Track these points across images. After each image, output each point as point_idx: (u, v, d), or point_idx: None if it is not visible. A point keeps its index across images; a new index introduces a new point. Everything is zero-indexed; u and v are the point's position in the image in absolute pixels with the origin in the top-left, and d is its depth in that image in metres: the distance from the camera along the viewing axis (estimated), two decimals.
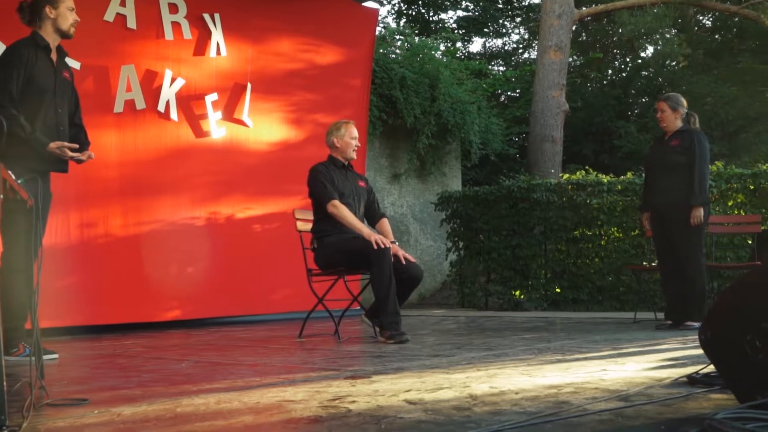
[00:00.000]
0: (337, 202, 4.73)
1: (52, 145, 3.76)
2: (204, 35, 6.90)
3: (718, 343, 2.10)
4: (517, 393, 2.32)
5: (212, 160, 6.95)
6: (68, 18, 3.93)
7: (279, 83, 7.57)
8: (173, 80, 6.62)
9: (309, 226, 5.13)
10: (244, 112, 7.17)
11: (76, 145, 3.89)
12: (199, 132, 6.86)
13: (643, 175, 5.77)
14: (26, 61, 3.78)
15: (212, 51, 6.93)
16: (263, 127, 7.39)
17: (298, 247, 5.07)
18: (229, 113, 7.09)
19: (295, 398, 2.33)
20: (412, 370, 3.02)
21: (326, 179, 4.83)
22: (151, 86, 6.50)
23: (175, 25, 6.68)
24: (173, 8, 6.67)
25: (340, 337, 4.77)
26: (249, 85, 7.19)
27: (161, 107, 6.53)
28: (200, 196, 6.86)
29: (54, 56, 3.95)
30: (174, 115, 6.62)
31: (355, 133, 5.05)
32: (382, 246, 4.49)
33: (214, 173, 6.97)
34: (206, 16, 6.90)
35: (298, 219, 5.09)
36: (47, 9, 3.88)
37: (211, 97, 6.89)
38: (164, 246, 6.49)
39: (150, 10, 6.52)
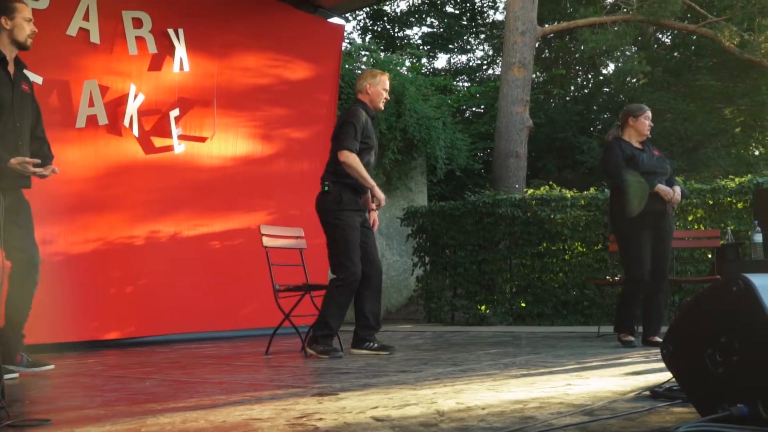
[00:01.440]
0: (353, 155, 4.64)
1: (13, 161, 3.67)
2: (168, 50, 6.85)
3: (680, 358, 2.13)
4: (483, 408, 2.33)
5: (176, 175, 6.89)
6: (25, 29, 3.83)
7: (245, 98, 7.55)
8: (136, 95, 6.56)
9: (276, 242, 5.12)
10: (209, 127, 7.13)
11: (38, 160, 3.80)
12: (162, 147, 6.80)
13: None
14: None
15: (176, 66, 6.89)
16: (228, 143, 7.36)
17: (265, 262, 5.04)
18: (193, 129, 7.05)
19: (262, 416, 2.31)
20: (379, 386, 3.02)
21: (359, 128, 4.71)
22: (113, 101, 6.43)
23: (139, 40, 6.62)
24: (137, 23, 6.62)
25: (307, 354, 4.75)
26: (214, 101, 7.15)
27: (126, 122, 6.47)
28: (164, 211, 6.78)
29: (11, 68, 3.84)
30: (136, 130, 6.55)
31: (388, 85, 5.00)
32: (382, 205, 4.81)
33: (177, 189, 6.90)
34: (170, 32, 6.85)
35: (264, 234, 5.06)
36: (2, 20, 3.78)
37: (174, 113, 6.84)
38: (127, 262, 6.41)
39: (114, 25, 6.46)
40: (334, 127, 4.93)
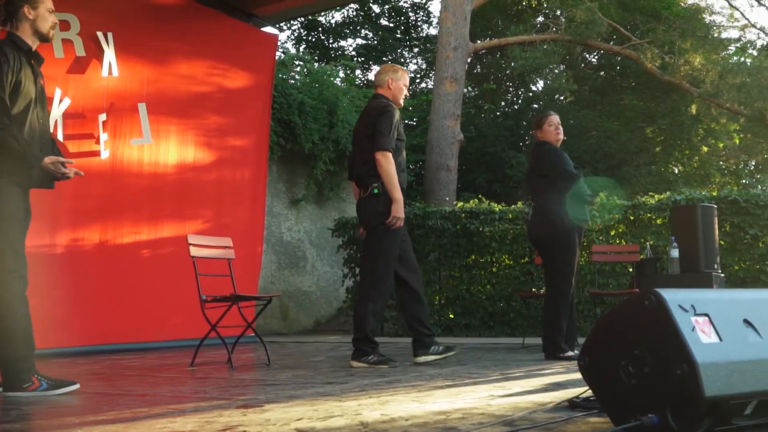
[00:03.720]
0: (390, 156, 4.52)
1: (47, 160, 3.44)
2: (96, 54, 6.70)
3: (596, 369, 2.21)
4: (407, 420, 2.36)
5: (103, 181, 6.73)
6: (48, 20, 3.59)
7: (178, 105, 7.44)
8: (62, 99, 6.39)
9: (203, 251, 5.05)
10: (140, 133, 7.00)
11: (72, 161, 3.60)
12: (87, 152, 6.63)
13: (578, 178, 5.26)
14: (12, 65, 3.42)
15: (104, 70, 6.74)
16: (160, 149, 7.24)
17: (193, 272, 4.96)
18: (122, 134, 6.91)
19: (184, 429, 2.28)
20: (304, 398, 3.01)
21: (395, 125, 4.58)
22: None
23: (66, 43, 6.46)
24: (65, 25, 6.45)
25: (233, 365, 4.70)
26: (144, 106, 7.03)
27: (50, 127, 6.28)
28: (90, 219, 6.61)
29: (33, 61, 3.61)
30: (61, 135, 6.38)
31: (408, 81, 4.89)
32: (396, 224, 4.54)
33: (104, 196, 6.74)
34: (99, 35, 6.71)
35: (191, 244, 4.99)
36: (26, 9, 3.53)
37: (101, 117, 6.69)
38: (49, 271, 6.19)
39: None
40: (364, 124, 4.71)
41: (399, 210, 4.53)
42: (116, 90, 6.87)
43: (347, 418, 2.41)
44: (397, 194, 4.53)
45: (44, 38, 3.64)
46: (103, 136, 6.70)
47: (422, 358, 4.67)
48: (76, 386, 3.47)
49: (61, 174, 3.53)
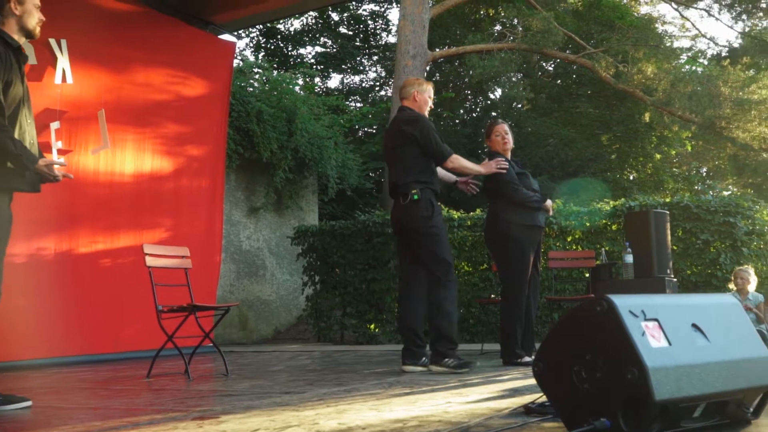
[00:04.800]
0: (456, 155, 4.75)
1: (41, 162, 3.33)
2: (49, 61, 6.59)
3: (550, 374, 2.24)
4: (364, 428, 2.36)
5: (56, 191, 6.58)
6: (34, 15, 3.49)
7: (135, 113, 7.35)
8: None
9: (159, 261, 4.98)
10: (97, 141, 6.90)
11: (64, 163, 3.47)
12: None
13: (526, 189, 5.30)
14: (5, 61, 3.30)
15: (58, 77, 6.63)
16: (116, 158, 7.13)
17: (149, 282, 4.89)
18: (77, 143, 6.79)
19: None
20: (262, 408, 2.99)
21: (435, 131, 4.74)
22: None
23: None
24: None
25: (190, 376, 4.64)
26: (101, 114, 6.92)
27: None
28: (43, 229, 6.48)
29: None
30: None
31: (432, 93, 5.00)
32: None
33: (59, 205, 6.60)
34: (52, 42, 6.60)
35: (147, 254, 4.92)
36: (12, 4, 3.41)
37: (54, 125, 6.57)
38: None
39: None
40: (391, 136, 4.86)
41: (485, 167, 5.03)
42: (71, 98, 6.76)
43: (304, 428, 2.41)
44: (476, 168, 5.00)
45: (30, 35, 3.54)
46: (57, 145, 6.58)
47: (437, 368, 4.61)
48: (29, 403, 3.37)
49: (53, 177, 3.45)
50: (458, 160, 4.78)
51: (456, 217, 8.76)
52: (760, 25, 17.50)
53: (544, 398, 2.63)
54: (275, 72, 13.56)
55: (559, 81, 19.34)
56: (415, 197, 4.65)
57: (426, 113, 4.92)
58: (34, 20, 3.53)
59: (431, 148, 4.71)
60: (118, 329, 6.99)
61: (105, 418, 2.91)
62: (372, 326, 8.90)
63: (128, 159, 7.26)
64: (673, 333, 2.12)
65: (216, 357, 6.04)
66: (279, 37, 19.28)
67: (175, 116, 7.80)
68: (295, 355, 6.96)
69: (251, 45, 19.20)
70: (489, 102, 19.34)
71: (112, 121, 7.05)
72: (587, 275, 7.61)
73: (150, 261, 4.90)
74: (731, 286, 6.61)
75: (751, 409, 2.25)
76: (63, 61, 6.67)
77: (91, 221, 6.88)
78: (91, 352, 6.82)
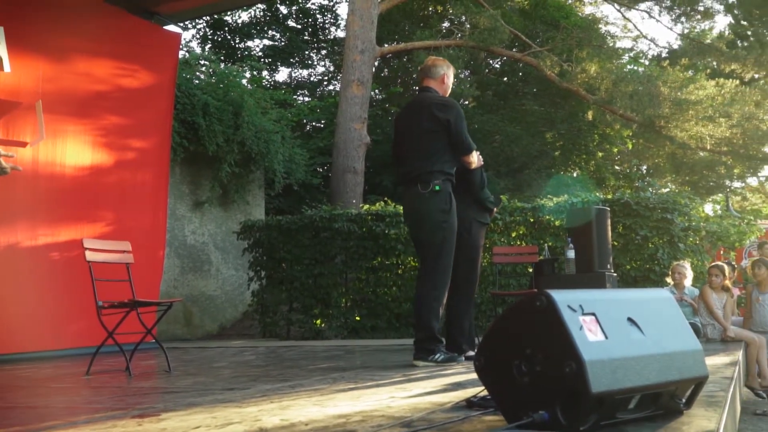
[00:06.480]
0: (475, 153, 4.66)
1: None
2: None
3: (491, 369, 2.27)
4: (307, 424, 2.36)
5: None
6: None
7: (77, 104, 7.18)
8: None
9: (100, 256, 4.88)
10: (34, 132, 6.70)
11: (12, 155, 3.32)
12: None
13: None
14: None
15: None
16: (57, 150, 6.96)
17: (90, 277, 4.78)
18: (14, 133, 6.60)
19: None
20: (204, 405, 2.96)
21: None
22: None
23: None
24: None
25: (131, 373, 4.56)
26: (38, 104, 6.74)
27: None
28: None
29: None
30: None
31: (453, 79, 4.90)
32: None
33: None
34: None
35: (87, 248, 4.82)
36: None
37: None
38: None
39: None
40: (420, 117, 4.59)
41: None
42: (8, 87, 6.56)
43: (246, 425, 2.39)
44: (477, 162, 4.82)
45: None
46: None
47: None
48: None
49: (0, 169, 3.33)
50: (473, 156, 4.69)
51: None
52: (698, 27, 18.03)
53: (486, 392, 2.67)
54: (222, 64, 13.38)
55: (505, 78, 19.56)
56: (437, 188, 4.49)
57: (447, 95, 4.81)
58: None
59: (461, 138, 4.55)
60: (59, 325, 6.83)
61: (42, 418, 2.84)
62: (318, 321, 8.89)
63: (69, 151, 7.08)
64: (610, 327, 2.17)
65: (158, 353, 5.94)
66: (226, 29, 19.04)
67: (118, 108, 7.64)
68: (239, 350, 6.90)
69: (198, 37, 18.93)
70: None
71: (52, 112, 6.86)
72: (530, 270, 7.73)
73: (90, 255, 4.80)
74: (669, 280, 6.80)
75: (684, 400, 2.32)
76: (0, 50, 6.47)
77: (30, 215, 6.70)
78: (32, 349, 6.65)
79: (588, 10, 19.78)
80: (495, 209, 5.35)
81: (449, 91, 4.83)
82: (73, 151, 7.13)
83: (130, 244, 5.23)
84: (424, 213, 4.56)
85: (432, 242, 4.55)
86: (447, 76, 4.78)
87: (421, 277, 4.64)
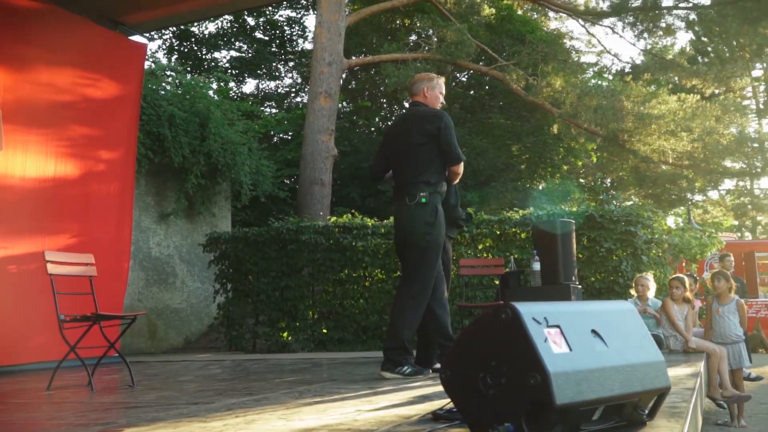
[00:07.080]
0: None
1: None
2: None
3: (457, 381, 2.28)
4: None
5: None
6: None
7: (37, 114, 7.05)
8: None
9: (62, 269, 4.80)
10: None
11: None
12: None
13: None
14: None
15: None
16: (17, 160, 6.83)
17: (51, 290, 4.70)
18: None
19: None
20: (168, 420, 2.92)
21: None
22: None
23: None
24: None
25: (93, 388, 4.48)
26: None
27: None
28: None
29: None
30: None
31: (444, 89, 4.81)
32: None
33: None
34: None
35: (48, 261, 4.73)
36: None
37: None
38: None
39: None
40: (410, 131, 4.58)
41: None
42: None
43: None
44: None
45: None
46: None
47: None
48: None
49: None
50: (461, 166, 4.68)
51: (370, 224, 8.80)
52: (660, 43, 18.40)
53: (452, 404, 2.67)
54: (188, 75, 13.30)
55: (471, 92, 19.73)
56: (423, 200, 4.47)
57: (438, 108, 4.78)
58: None
59: (451, 147, 4.53)
60: (20, 339, 6.69)
61: None
62: (285, 334, 8.83)
63: (30, 162, 6.96)
64: (574, 339, 2.19)
65: (122, 368, 5.85)
66: (193, 40, 18.95)
67: (82, 118, 7.54)
68: (205, 364, 6.82)
69: (164, 47, 18.81)
70: (404, 110, 19.55)
71: (11, 122, 6.74)
72: (497, 282, 7.78)
73: (51, 268, 4.71)
74: (632, 292, 6.88)
75: (647, 411, 2.35)
76: None
77: None
78: None
79: (553, 25, 20.09)
80: (464, 226, 5.41)
81: (438, 101, 4.81)
82: (34, 161, 7.01)
83: (93, 256, 5.15)
84: (408, 224, 4.57)
85: (413, 253, 4.56)
86: (428, 88, 4.78)
87: (399, 287, 4.68)
